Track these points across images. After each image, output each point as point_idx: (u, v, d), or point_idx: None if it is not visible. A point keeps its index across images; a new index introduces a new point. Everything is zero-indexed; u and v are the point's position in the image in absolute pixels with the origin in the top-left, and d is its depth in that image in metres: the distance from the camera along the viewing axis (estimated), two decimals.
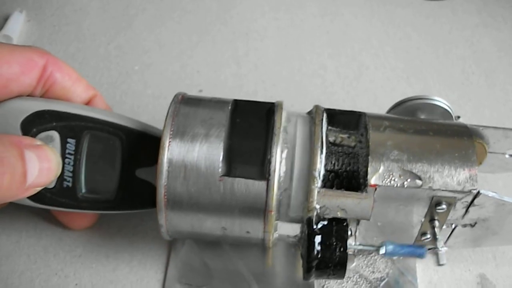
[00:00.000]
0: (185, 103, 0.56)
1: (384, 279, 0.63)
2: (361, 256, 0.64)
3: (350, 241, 0.55)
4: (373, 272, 0.63)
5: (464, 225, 0.58)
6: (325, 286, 0.62)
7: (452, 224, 0.58)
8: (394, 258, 0.64)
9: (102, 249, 0.64)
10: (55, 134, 0.54)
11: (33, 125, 0.54)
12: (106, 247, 0.65)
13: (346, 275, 0.61)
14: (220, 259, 0.63)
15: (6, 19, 0.90)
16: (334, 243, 0.53)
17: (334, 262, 0.53)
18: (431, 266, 0.65)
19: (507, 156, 0.64)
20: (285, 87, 0.84)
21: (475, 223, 0.57)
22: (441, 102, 0.64)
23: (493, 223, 0.57)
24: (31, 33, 0.90)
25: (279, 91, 0.83)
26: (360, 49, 0.91)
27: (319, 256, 0.53)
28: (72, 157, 0.55)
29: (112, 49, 0.87)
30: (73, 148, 0.55)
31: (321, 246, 0.53)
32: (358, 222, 0.57)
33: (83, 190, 0.57)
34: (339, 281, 0.62)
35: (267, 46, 0.90)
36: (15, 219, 0.66)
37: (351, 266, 0.63)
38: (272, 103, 0.57)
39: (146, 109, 0.79)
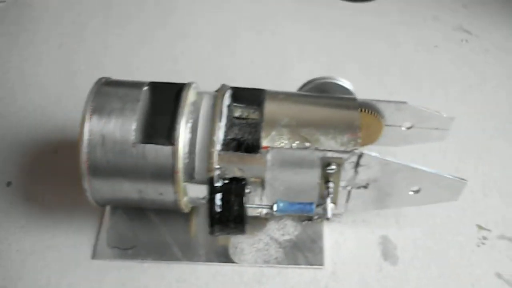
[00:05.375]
0: (107, 84, 0.65)
1: (292, 240, 0.70)
2: (272, 221, 0.71)
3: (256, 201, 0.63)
4: (283, 234, 0.71)
5: (358, 187, 0.65)
6: (238, 247, 0.69)
7: (347, 186, 0.65)
8: (303, 223, 0.71)
9: (42, 221, 0.72)
10: None
11: None
12: (46, 219, 0.72)
13: (258, 237, 0.69)
14: (147, 226, 0.71)
15: None
16: (233, 199, 0.61)
17: (234, 216, 0.61)
18: (337, 229, 0.72)
19: (403, 128, 0.72)
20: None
21: (367, 183, 0.64)
22: (342, 81, 0.72)
23: (384, 184, 0.64)
24: None
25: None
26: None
27: (219, 210, 0.60)
28: None
29: None
30: None
31: (221, 202, 0.60)
32: (263, 186, 0.64)
33: None
34: (251, 241, 0.69)
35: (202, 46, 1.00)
36: None
37: (263, 229, 0.71)
38: (184, 84, 0.65)
39: None
